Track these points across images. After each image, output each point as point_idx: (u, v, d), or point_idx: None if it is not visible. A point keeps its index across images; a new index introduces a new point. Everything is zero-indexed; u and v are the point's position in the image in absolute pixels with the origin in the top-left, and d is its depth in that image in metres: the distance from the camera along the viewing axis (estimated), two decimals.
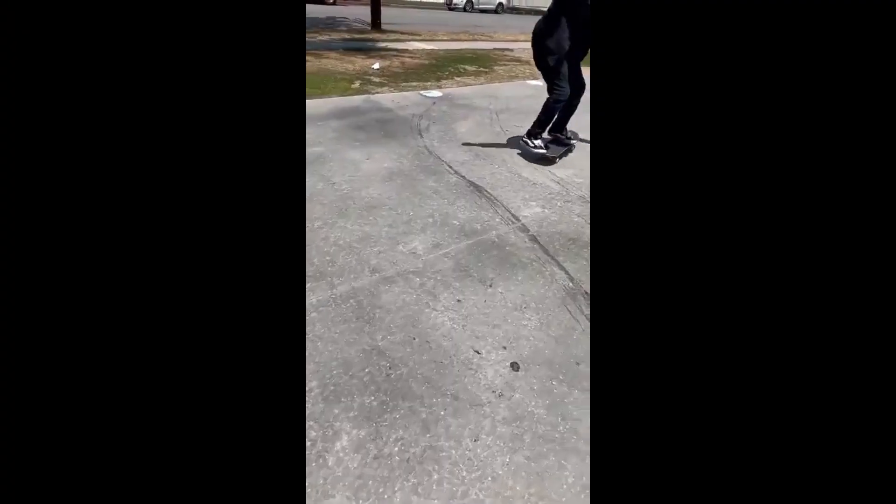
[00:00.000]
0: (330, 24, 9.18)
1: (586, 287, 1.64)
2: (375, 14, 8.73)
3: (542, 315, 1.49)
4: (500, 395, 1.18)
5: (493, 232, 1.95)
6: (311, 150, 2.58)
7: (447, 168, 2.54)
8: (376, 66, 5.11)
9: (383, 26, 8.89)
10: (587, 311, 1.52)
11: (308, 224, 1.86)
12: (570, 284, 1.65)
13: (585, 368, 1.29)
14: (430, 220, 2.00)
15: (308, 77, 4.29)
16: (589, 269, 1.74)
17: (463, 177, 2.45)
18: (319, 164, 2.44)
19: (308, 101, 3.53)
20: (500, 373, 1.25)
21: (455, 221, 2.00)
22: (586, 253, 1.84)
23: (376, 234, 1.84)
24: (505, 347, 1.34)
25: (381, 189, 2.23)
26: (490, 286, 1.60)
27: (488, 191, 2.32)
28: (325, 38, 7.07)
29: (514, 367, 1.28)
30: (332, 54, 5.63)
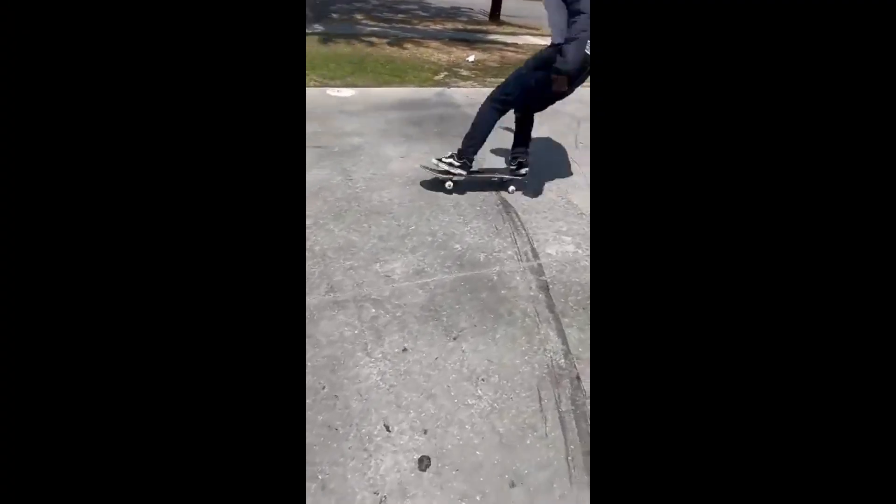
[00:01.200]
0: (452, 13, 9.14)
1: (582, 370, 1.22)
2: (495, 5, 8.41)
3: (501, 397, 1.13)
4: (381, 502, 0.89)
5: (497, 268, 1.59)
6: (349, 141, 2.46)
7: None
8: (471, 58, 4.86)
9: (504, 18, 8.55)
10: (565, 407, 1.12)
11: None
12: (561, 361, 1.25)
13: (520, 496, 0.92)
14: (430, 238, 1.72)
15: (395, 65, 4.23)
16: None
17: (498, 192, 2.10)
18: (350, 156, 2.30)
19: (378, 90, 3.45)
20: (401, 466, 0.95)
21: (457, 246, 1.69)
22: None
23: (360, 245, 1.63)
24: (426, 431, 1.03)
25: (397, 193, 2.00)
26: (454, 339, 1.28)
27: (519, 214, 1.95)
28: (437, 27, 7.02)
29: (423, 463, 0.96)
30: (434, 43, 5.52)
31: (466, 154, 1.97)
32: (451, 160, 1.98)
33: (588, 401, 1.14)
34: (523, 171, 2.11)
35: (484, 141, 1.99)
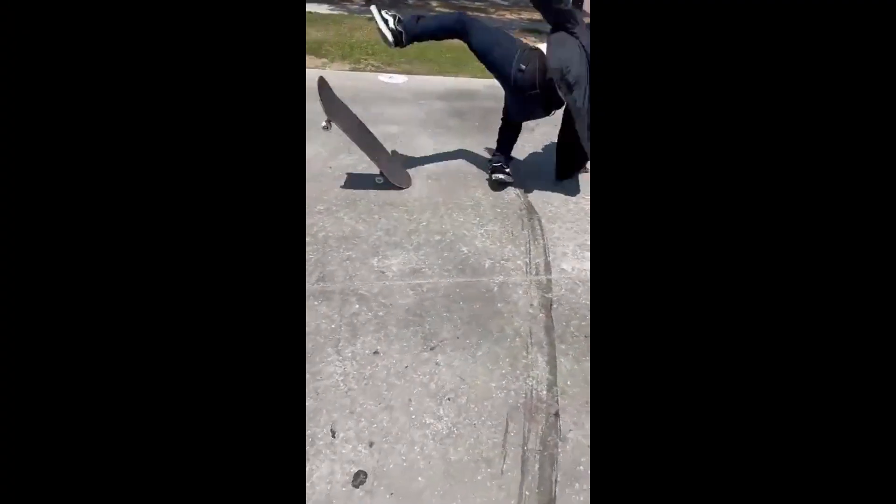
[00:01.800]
0: (527, 4, 8.79)
1: (564, 406, 1.09)
2: None
3: (463, 421, 1.03)
4: None
5: (500, 278, 1.48)
6: (385, 129, 2.42)
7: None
8: None
9: (588, 9, 8.07)
10: (532, 445, 1.00)
11: (310, 204, 1.73)
12: (543, 392, 1.12)
13: None
14: (438, 237, 1.63)
15: (457, 54, 4.12)
16: (590, 377, 1.15)
17: (525, 195, 1.96)
18: (383, 144, 2.27)
19: (431, 78, 3.38)
20: (335, 477, 0.90)
21: (464, 249, 1.59)
22: None
23: (364, 237, 1.59)
24: (371, 444, 0.97)
25: (418, 186, 1.94)
26: (431, 349, 1.20)
27: (543, 221, 1.80)
28: (513, 17, 6.78)
29: (358, 479, 0.90)
30: None
31: (407, 28, 1.73)
32: (389, 19, 1.73)
33: (560, 443, 1.01)
34: (502, 176, 1.93)
35: (430, 31, 1.77)
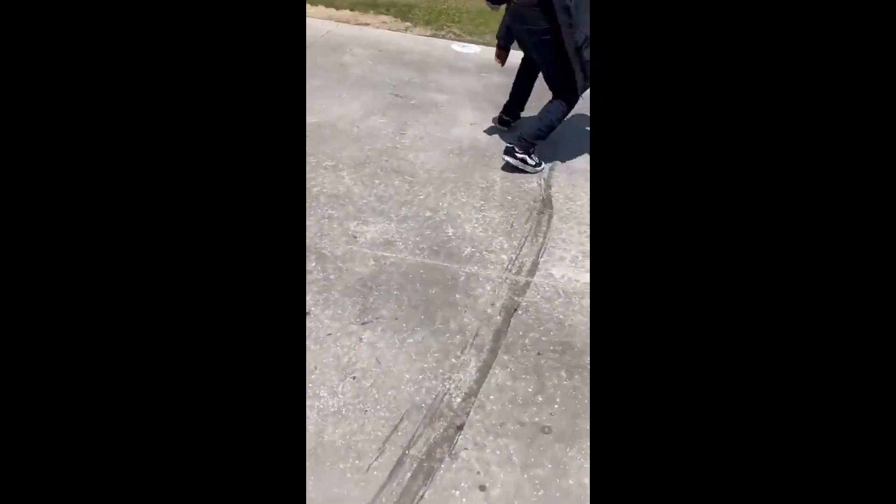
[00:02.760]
0: None
1: (472, 422, 0.96)
2: None
3: (357, 405, 0.97)
4: None
5: (473, 268, 1.34)
6: (431, 97, 2.32)
7: (543, 168, 1.86)
8: None
9: None
10: (415, 451, 0.90)
11: (320, 160, 1.73)
12: (457, 400, 1.00)
13: None
14: (428, 213, 1.53)
15: None
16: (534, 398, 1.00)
17: (548, 186, 1.75)
18: (421, 111, 2.19)
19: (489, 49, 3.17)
20: None
21: (450, 231, 1.47)
22: (558, 379, 1.05)
23: (353, 199, 1.56)
24: None
25: (435, 160, 1.83)
26: (363, 324, 1.14)
27: (554, 219, 1.59)
28: None
29: None
30: None
31: (531, 144, 1.82)
32: (527, 158, 1.79)
33: (447, 458, 0.90)
34: (510, 159, 1.76)
35: (539, 119, 1.86)
